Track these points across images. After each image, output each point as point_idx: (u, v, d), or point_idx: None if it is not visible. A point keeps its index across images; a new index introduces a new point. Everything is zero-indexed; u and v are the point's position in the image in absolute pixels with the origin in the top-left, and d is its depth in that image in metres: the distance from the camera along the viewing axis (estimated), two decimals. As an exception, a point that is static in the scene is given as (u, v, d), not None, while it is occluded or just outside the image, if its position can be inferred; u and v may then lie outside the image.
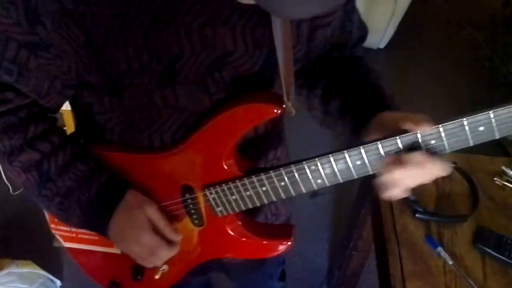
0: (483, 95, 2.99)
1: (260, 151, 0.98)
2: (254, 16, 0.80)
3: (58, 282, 2.02)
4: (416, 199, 1.31)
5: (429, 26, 3.73)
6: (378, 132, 0.80)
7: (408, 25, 3.42)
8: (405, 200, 1.31)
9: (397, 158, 0.75)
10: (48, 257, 1.36)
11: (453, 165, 1.38)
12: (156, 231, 0.90)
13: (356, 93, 0.90)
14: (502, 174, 1.43)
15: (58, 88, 0.80)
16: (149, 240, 0.89)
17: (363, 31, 1.00)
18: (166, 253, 0.91)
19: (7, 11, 0.71)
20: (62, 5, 0.70)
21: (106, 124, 0.89)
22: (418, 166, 0.73)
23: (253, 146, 0.95)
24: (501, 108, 0.70)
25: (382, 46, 3.37)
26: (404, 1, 3.08)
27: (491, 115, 0.70)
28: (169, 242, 0.91)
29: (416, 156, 0.73)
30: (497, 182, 1.41)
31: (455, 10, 3.88)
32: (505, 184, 1.40)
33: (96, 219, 0.89)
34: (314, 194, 2.45)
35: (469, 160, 1.46)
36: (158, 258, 0.91)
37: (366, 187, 1.64)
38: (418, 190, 1.34)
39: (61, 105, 0.89)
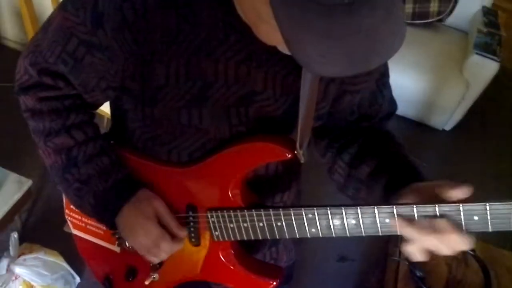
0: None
1: (267, 191, 1.01)
2: (288, 65, 0.86)
3: (78, 279, 2.09)
4: (424, 276, 1.28)
5: (498, 121, 3.61)
6: (410, 199, 0.81)
7: (477, 114, 3.34)
8: (412, 274, 1.29)
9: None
10: (74, 253, 1.42)
11: (471, 253, 1.35)
12: (161, 224, 0.94)
13: (389, 162, 0.92)
14: (522, 273, 1.38)
15: (102, 87, 0.88)
16: (154, 230, 0.93)
17: (393, 107, 1.03)
18: (168, 246, 0.94)
19: (77, 11, 0.81)
20: (124, 17, 0.79)
21: (135, 131, 0.96)
22: (439, 231, 0.74)
23: (262, 184, 0.98)
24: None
25: (447, 128, 3.29)
26: (476, 88, 3.01)
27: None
28: (173, 237, 0.95)
29: (440, 222, 0.74)
30: (515, 281, 1.36)
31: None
32: (523, 284, 1.35)
33: (107, 209, 0.95)
34: (342, 258, 2.42)
35: (491, 252, 1.42)
36: (161, 250, 0.94)
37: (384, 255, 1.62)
38: (429, 267, 1.33)
39: (101, 104, 0.98)
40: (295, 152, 0.86)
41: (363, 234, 0.83)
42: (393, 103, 1.03)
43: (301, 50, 0.61)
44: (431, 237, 0.74)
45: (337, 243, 2.40)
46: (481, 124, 3.42)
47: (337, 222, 0.84)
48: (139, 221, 0.93)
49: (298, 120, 0.87)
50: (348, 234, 0.84)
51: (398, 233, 0.81)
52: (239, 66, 0.84)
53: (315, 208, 0.85)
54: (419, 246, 0.76)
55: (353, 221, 0.83)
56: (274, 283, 0.96)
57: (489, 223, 0.73)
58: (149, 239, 0.93)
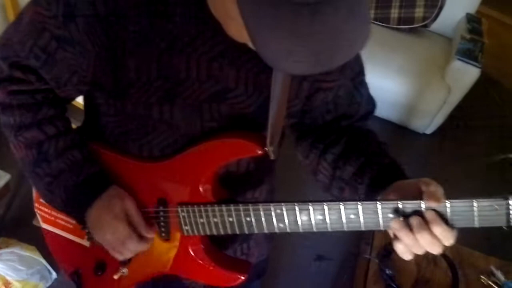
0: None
1: (239, 187, 1.02)
2: (261, 63, 0.84)
3: (54, 274, 2.08)
4: (393, 274, 1.30)
5: (477, 126, 3.66)
6: (393, 197, 0.82)
7: (458, 119, 3.38)
8: (382, 273, 1.30)
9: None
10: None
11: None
12: (130, 223, 0.94)
13: (373, 162, 0.93)
14: (490, 274, 1.40)
15: (74, 81, 0.88)
16: (122, 230, 0.93)
17: (372, 105, 1.04)
18: (135, 246, 0.94)
19: (49, 5, 0.81)
20: (96, 11, 0.79)
21: (107, 126, 0.96)
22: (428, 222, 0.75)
23: (233, 181, 0.99)
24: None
25: (428, 132, 3.33)
26: (458, 93, 3.05)
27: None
28: (141, 238, 0.95)
29: (428, 213, 0.75)
30: (483, 281, 1.38)
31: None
32: (490, 285, 1.37)
33: (77, 203, 0.94)
34: (319, 257, 2.44)
35: (460, 252, 1.44)
36: (127, 249, 0.94)
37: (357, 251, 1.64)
38: (399, 266, 1.34)
39: (74, 98, 0.98)
40: (266, 149, 0.87)
41: (329, 229, 0.84)
42: (371, 101, 1.04)
43: (267, 48, 0.62)
44: (420, 229, 0.75)
45: (316, 242, 2.42)
46: (461, 129, 3.45)
47: (304, 217, 0.85)
48: (108, 219, 0.93)
49: (269, 117, 0.88)
50: (314, 229, 0.85)
51: (363, 229, 0.83)
52: (211, 63, 0.85)
53: (283, 204, 0.86)
54: (409, 242, 0.77)
55: (320, 217, 0.84)
56: (242, 277, 0.97)
57: (475, 219, 0.74)
58: (116, 238, 0.93)
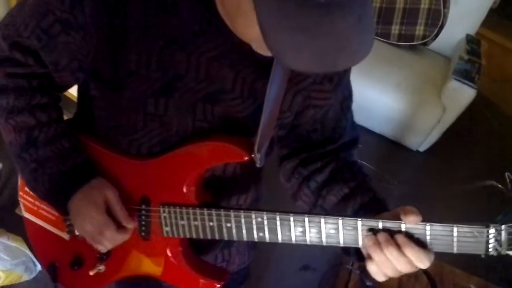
0: None
1: (224, 193, 1.01)
2: (259, 70, 0.87)
3: (39, 267, 2.06)
4: (374, 286, 1.31)
5: (470, 146, 3.66)
6: None
7: (453, 139, 3.36)
8: (362, 284, 1.31)
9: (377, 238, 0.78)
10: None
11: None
12: (110, 213, 0.94)
13: (357, 194, 0.94)
14: (469, 294, 1.40)
15: (73, 67, 0.88)
16: (100, 218, 0.92)
17: (356, 133, 1.05)
18: (113, 235, 0.93)
19: None
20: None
21: (99, 120, 0.96)
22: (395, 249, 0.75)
23: (218, 186, 0.99)
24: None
25: (421, 149, 3.32)
26: (452, 113, 3.05)
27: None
28: (120, 228, 0.94)
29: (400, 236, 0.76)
30: (461, 300, 1.38)
31: (508, 135, 3.80)
32: (468, 305, 1.37)
33: (60, 193, 0.94)
34: (305, 267, 2.44)
35: (443, 269, 1.45)
36: (105, 238, 0.93)
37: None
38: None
39: (70, 86, 0.98)
40: (252, 155, 0.88)
41: (308, 243, 0.84)
42: (355, 128, 1.05)
43: (276, 41, 0.63)
44: (387, 245, 0.75)
45: (302, 252, 2.42)
46: (454, 148, 3.46)
47: (284, 228, 0.85)
48: (88, 207, 0.93)
49: (260, 124, 0.88)
50: (293, 241, 0.85)
51: (341, 245, 0.83)
52: (211, 63, 0.85)
53: (264, 213, 0.86)
54: (380, 260, 0.77)
55: (300, 229, 0.84)
56: (218, 285, 0.97)
57: (454, 245, 0.75)
58: (94, 226, 0.93)
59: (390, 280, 1.36)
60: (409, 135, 3.23)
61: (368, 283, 1.29)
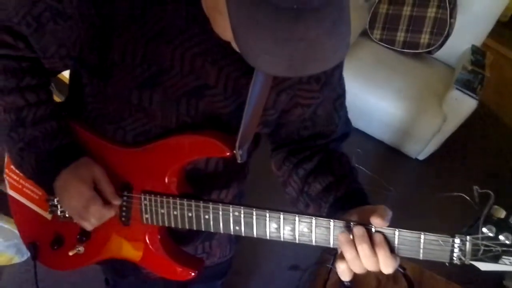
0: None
1: (205, 186, 1.03)
2: (243, 67, 0.88)
3: None
4: (351, 286, 1.31)
5: (470, 156, 3.65)
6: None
7: (451, 148, 3.36)
8: (340, 283, 1.31)
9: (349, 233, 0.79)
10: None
11: (401, 271, 1.38)
12: (97, 189, 0.94)
13: (342, 183, 0.95)
14: (448, 300, 1.41)
15: (62, 54, 0.89)
16: (86, 192, 0.93)
17: (348, 127, 1.06)
18: (98, 210, 0.93)
19: None
20: None
21: (87, 106, 0.97)
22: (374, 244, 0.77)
23: (200, 179, 1.00)
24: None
25: (420, 158, 3.31)
26: (453, 122, 3.05)
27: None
28: (106, 203, 0.94)
29: (376, 235, 0.77)
30: (439, 306, 1.39)
31: (509, 144, 3.79)
32: (446, 311, 1.38)
33: (47, 172, 0.95)
34: (294, 267, 2.45)
35: (422, 273, 1.46)
36: (91, 214, 0.93)
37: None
38: (358, 279, 1.36)
39: (60, 72, 0.99)
40: (234, 151, 0.89)
41: (282, 239, 0.85)
42: (348, 124, 1.06)
43: (246, 44, 0.64)
44: (362, 241, 0.77)
45: (292, 251, 2.43)
46: (453, 158, 3.45)
47: (260, 224, 0.86)
48: (74, 183, 0.94)
49: (242, 121, 0.89)
50: (268, 237, 0.87)
51: (313, 244, 0.84)
52: (195, 59, 0.86)
53: (242, 208, 0.87)
54: (351, 257, 0.78)
55: (275, 225, 0.85)
56: (193, 273, 0.99)
57: (421, 251, 0.77)
58: (80, 201, 0.93)
59: (369, 280, 1.39)
60: (409, 142, 3.23)
61: (346, 283, 1.30)
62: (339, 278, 1.34)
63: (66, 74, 1.07)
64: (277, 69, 0.65)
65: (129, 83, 0.88)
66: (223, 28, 0.74)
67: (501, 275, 2.59)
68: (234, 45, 0.76)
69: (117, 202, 0.96)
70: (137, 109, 0.91)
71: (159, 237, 0.98)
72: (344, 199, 0.92)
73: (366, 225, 0.78)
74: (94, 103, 0.96)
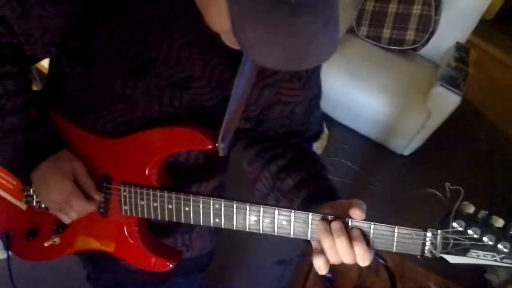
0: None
1: (185, 179, 1.02)
2: (229, 61, 0.88)
3: None
4: (333, 278, 1.33)
5: (454, 151, 3.69)
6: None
7: (437, 144, 3.39)
8: (322, 276, 1.32)
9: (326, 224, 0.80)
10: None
11: (383, 262, 1.40)
12: (78, 184, 0.94)
13: (314, 179, 0.97)
14: (428, 290, 1.43)
15: (46, 40, 0.88)
16: (68, 187, 0.93)
17: (321, 127, 1.08)
18: (79, 205, 0.94)
19: None
20: None
21: (68, 95, 0.96)
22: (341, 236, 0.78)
23: (181, 171, 1.00)
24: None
25: (405, 153, 3.34)
26: (437, 118, 3.08)
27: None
28: (87, 197, 0.95)
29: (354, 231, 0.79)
30: (419, 296, 1.41)
31: (493, 140, 3.83)
32: (426, 302, 1.40)
33: (25, 162, 0.94)
34: (281, 262, 2.46)
35: (403, 265, 1.48)
36: (72, 208, 0.93)
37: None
38: (340, 271, 1.37)
39: (40, 59, 0.99)
40: (216, 144, 0.89)
41: (261, 232, 0.86)
42: (321, 124, 1.08)
43: (245, 36, 0.65)
44: (343, 239, 0.78)
45: (279, 246, 2.44)
46: (438, 154, 3.49)
47: (240, 216, 0.87)
48: (55, 177, 0.93)
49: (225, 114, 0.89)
50: (247, 229, 0.87)
51: (291, 236, 0.85)
52: (182, 49, 0.86)
53: (222, 200, 0.88)
54: (328, 246, 0.79)
55: (254, 218, 0.86)
56: (171, 265, 0.99)
57: (394, 244, 0.79)
58: (61, 195, 0.93)
59: (350, 272, 1.40)
60: (394, 138, 3.26)
61: (328, 275, 1.31)
62: (320, 271, 1.36)
63: (44, 63, 1.06)
64: (274, 62, 0.67)
65: (113, 72, 0.88)
66: (217, 19, 0.73)
67: (483, 268, 2.64)
68: (224, 37, 0.76)
69: (98, 197, 0.96)
70: (119, 99, 0.91)
71: (137, 228, 0.98)
72: (316, 194, 0.93)
73: (343, 219, 0.79)
74: (74, 91, 0.95)
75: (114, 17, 0.84)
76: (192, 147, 0.94)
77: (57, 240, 1.02)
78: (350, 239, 0.78)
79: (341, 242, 0.78)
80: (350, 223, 0.79)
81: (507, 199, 3.19)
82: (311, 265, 1.37)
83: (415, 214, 2.77)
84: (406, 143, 3.26)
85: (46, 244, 1.01)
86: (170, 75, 0.88)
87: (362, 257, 0.78)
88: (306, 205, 0.92)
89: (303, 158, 1.01)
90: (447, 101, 2.97)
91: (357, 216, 0.78)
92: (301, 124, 1.02)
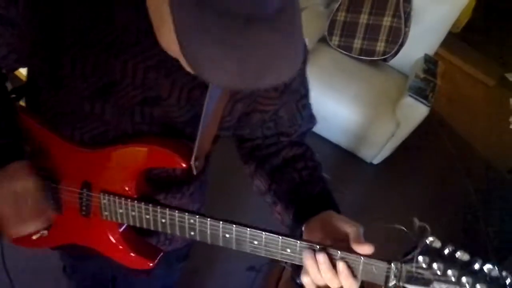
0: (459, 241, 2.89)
1: (162, 189, 1.04)
2: (196, 78, 0.85)
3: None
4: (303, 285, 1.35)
5: (423, 160, 3.75)
6: (317, 228, 0.88)
7: (406, 154, 3.46)
8: (292, 282, 1.35)
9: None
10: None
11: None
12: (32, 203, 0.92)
13: (306, 185, 0.99)
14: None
15: (13, 58, 0.90)
16: (25, 209, 0.90)
17: (312, 123, 1.09)
18: (35, 227, 0.93)
19: None
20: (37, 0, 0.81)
21: (46, 103, 0.97)
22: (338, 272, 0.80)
23: (158, 181, 1.02)
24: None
25: (375, 162, 3.40)
26: (406, 128, 3.15)
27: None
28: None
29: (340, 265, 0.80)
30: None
31: (460, 151, 3.94)
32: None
33: None
34: (251, 268, 2.48)
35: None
36: (24, 228, 0.92)
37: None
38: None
39: (15, 69, 1.00)
40: (190, 163, 0.90)
41: (234, 248, 0.89)
42: (312, 119, 1.09)
43: (192, 53, 0.61)
44: (328, 271, 0.80)
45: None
46: (407, 163, 3.56)
47: (214, 232, 0.90)
48: (7, 193, 0.90)
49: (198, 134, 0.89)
50: (221, 244, 0.90)
51: (263, 255, 0.88)
52: (148, 72, 0.87)
53: (197, 216, 0.90)
54: (313, 274, 0.82)
55: (227, 235, 0.88)
56: (151, 264, 1.01)
57: (360, 273, 0.81)
58: (16, 214, 0.91)
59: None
60: (364, 147, 3.31)
61: (298, 281, 1.34)
62: (291, 276, 1.37)
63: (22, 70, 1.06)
64: (228, 81, 0.62)
65: (80, 93, 0.89)
66: (168, 41, 0.70)
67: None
68: (182, 60, 0.70)
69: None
70: (91, 116, 0.92)
71: (119, 229, 1.01)
72: (309, 205, 0.94)
73: (328, 251, 0.81)
74: (51, 102, 0.96)
75: (76, 41, 0.83)
76: (166, 165, 0.96)
77: (45, 232, 1.04)
78: (336, 271, 0.80)
79: (326, 275, 0.80)
80: (338, 255, 0.80)
81: (472, 208, 3.28)
82: (281, 271, 1.39)
83: (382, 222, 2.82)
84: (376, 152, 3.32)
85: (34, 237, 1.04)
86: (137, 95, 0.89)
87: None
88: (299, 217, 0.93)
89: (296, 159, 1.03)
90: (415, 111, 3.04)
91: (366, 252, 0.79)
92: (289, 126, 1.03)
